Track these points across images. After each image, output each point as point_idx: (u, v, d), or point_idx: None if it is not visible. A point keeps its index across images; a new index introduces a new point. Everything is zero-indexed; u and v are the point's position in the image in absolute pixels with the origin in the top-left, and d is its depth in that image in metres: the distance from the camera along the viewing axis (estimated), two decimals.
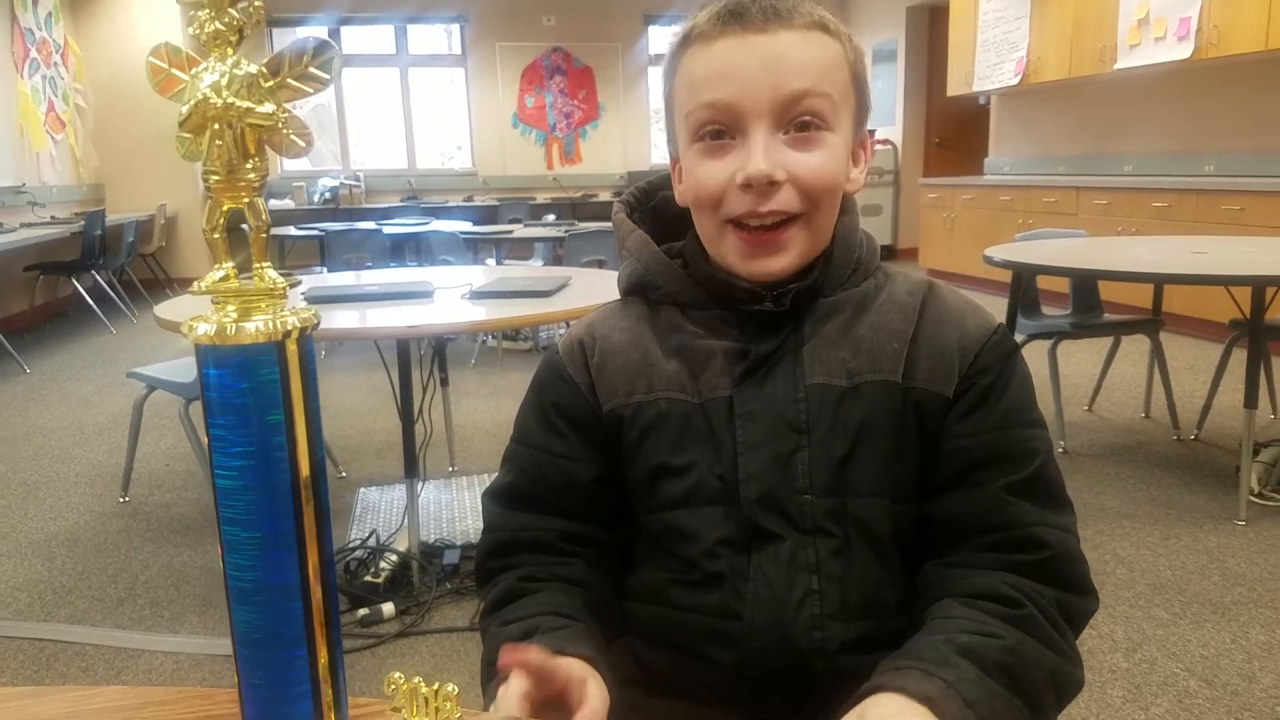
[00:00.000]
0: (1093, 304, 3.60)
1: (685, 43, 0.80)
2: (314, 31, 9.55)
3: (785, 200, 0.76)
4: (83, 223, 6.51)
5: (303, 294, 2.60)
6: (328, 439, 3.36)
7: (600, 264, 5.24)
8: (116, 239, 7.09)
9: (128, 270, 7.71)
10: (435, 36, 10.06)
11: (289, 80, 0.42)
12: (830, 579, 0.75)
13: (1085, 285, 3.54)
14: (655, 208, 0.94)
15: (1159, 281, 3.19)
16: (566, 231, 5.31)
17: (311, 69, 0.42)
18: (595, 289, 2.57)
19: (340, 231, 5.88)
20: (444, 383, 3.36)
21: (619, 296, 0.90)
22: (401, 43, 9.80)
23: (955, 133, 9.08)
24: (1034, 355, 3.33)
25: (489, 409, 4.21)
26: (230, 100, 0.40)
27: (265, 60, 0.41)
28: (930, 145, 9.33)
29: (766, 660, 0.75)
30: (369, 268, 5.78)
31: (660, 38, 10.27)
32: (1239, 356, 3.14)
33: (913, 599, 0.77)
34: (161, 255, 8.36)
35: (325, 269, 6.09)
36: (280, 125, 0.41)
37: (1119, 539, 2.56)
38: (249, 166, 0.42)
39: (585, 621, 0.74)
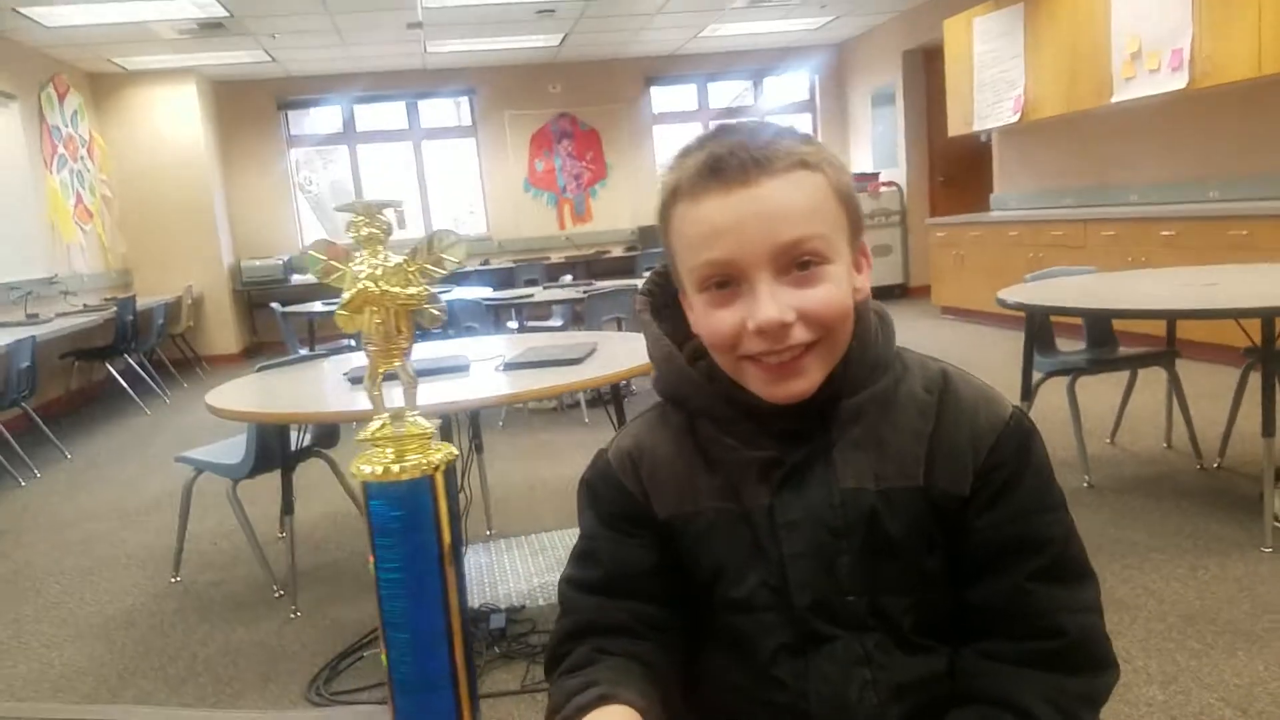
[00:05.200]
0: (1107, 338, 3.68)
1: (674, 198, 0.83)
2: (329, 113, 9.88)
3: (799, 335, 0.79)
4: (115, 309, 6.71)
5: (346, 374, 2.72)
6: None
7: (619, 322, 5.36)
8: (147, 322, 7.30)
9: (158, 351, 7.90)
10: (446, 109, 10.35)
11: (425, 265, 0.53)
12: (881, 668, 0.83)
13: (1099, 322, 3.62)
14: (676, 294, 0.94)
15: (1171, 318, 3.27)
16: (585, 292, 5.45)
17: (442, 255, 0.53)
18: (619, 355, 2.67)
19: None
20: (478, 449, 3.46)
21: (658, 399, 0.95)
22: (413, 118, 10.10)
23: (959, 170, 9.23)
24: (1053, 392, 3.43)
25: (521, 470, 4.31)
26: (385, 288, 0.51)
27: (407, 251, 0.52)
28: (935, 183, 9.48)
29: None
30: None
31: (661, 97, 10.54)
32: (1256, 381, 3.20)
33: (951, 663, 0.85)
34: (190, 335, 8.57)
35: (352, 342, 6.26)
36: (423, 304, 0.52)
37: (1148, 572, 2.61)
38: (401, 337, 0.52)
39: (642, 683, 0.81)
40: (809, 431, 0.85)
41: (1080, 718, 0.80)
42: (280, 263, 9.28)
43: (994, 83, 7.31)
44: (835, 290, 0.80)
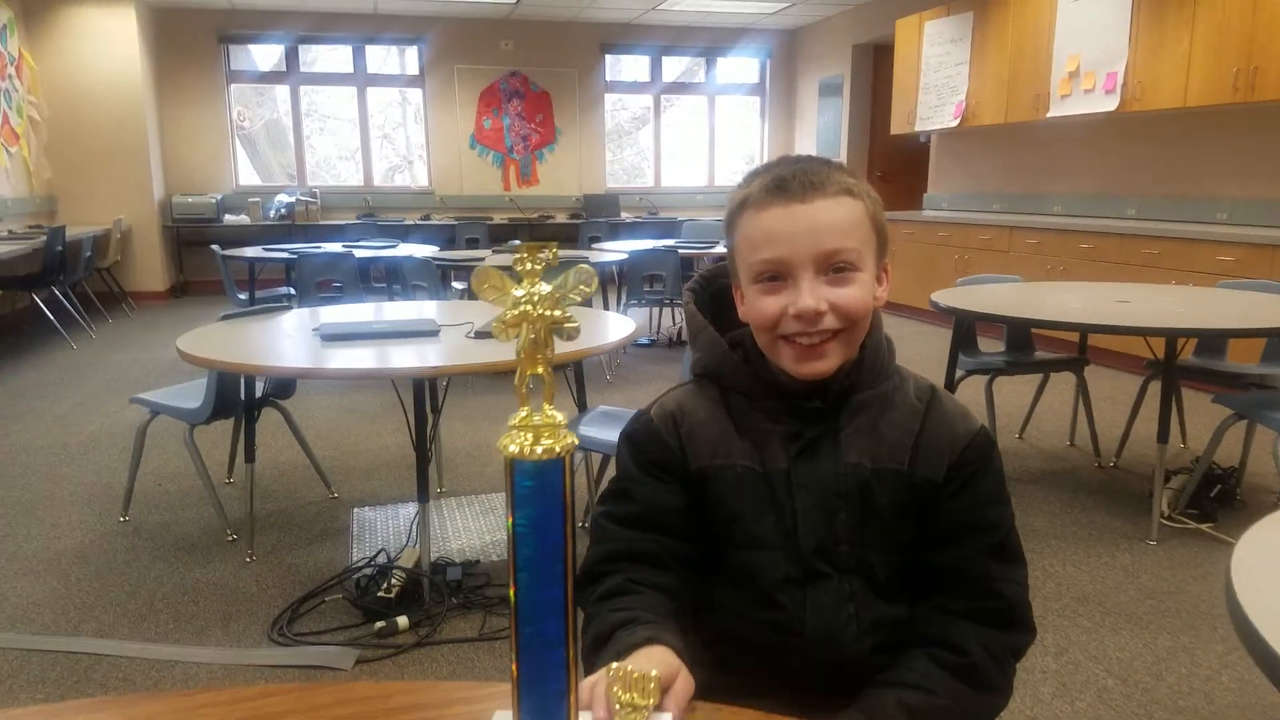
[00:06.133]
0: (1025, 343, 3.99)
1: (742, 207, 1.05)
2: (271, 50, 9.66)
3: (828, 322, 1.01)
4: (45, 238, 6.54)
5: (316, 330, 2.81)
6: (317, 459, 3.55)
7: None
8: (74, 253, 7.12)
9: (83, 284, 7.70)
10: (393, 56, 10.22)
11: (568, 294, 0.68)
12: (862, 604, 1.05)
13: (1019, 328, 3.91)
14: (714, 293, 1.18)
15: (1085, 330, 3.57)
16: None
17: (581, 286, 0.68)
18: (594, 330, 2.83)
19: (310, 255, 6.02)
20: (434, 410, 3.57)
21: (692, 376, 1.15)
22: (359, 62, 9.94)
23: (896, 167, 9.56)
24: (973, 388, 3.71)
25: (469, 432, 4.43)
26: (542, 311, 0.66)
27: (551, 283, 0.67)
28: (873, 178, 9.79)
29: (820, 660, 1.04)
30: (338, 288, 5.95)
31: (615, 65, 10.59)
32: (1154, 390, 3.53)
33: (912, 612, 1.07)
34: (117, 270, 8.36)
35: (293, 290, 6.24)
36: (565, 323, 0.67)
37: (1048, 557, 2.91)
38: (545, 348, 0.68)
39: (674, 621, 0.99)
40: (823, 415, 1.07)
41: (1004, 662, 1.03)
42: (213, 201, 9.09)
43: (938, 86, 7.60)
44: (861, 292, 1.02)
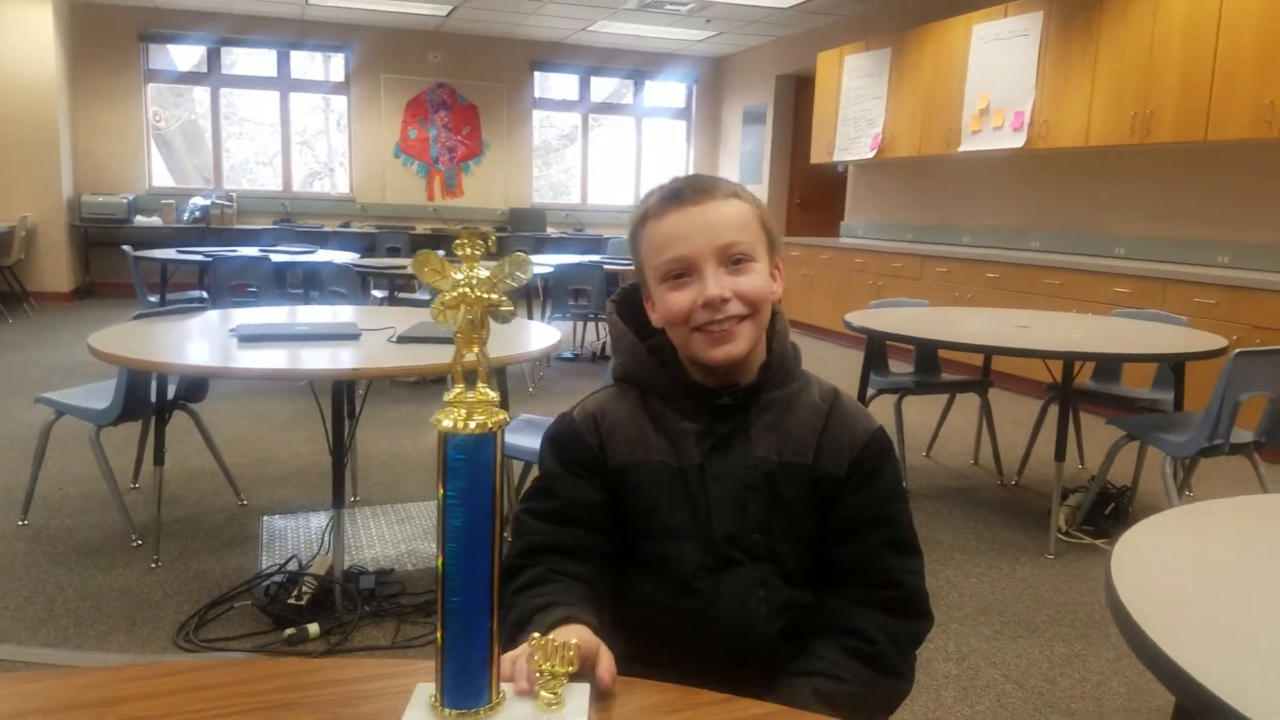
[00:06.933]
0: (933, 365, 4.15)
1: (643, 221, 1.13)
2: (192, 51, 9.43)
3: (734, 308, 1.09)
4: None
5: (233, 331, 2.76)
6: (227, 465, 3.47)
7: None
8: None
9: None
10: (318, 62, 10.08)
11: (504, 279, 0.71)
12: (772, 590, 1.11)
13: (927, 350, 4.07)
14: (636, 305, 1.23)
15: (988, 353, 3.74)
16: None
17: (516, 272, 0.72)
18: (518, 339, 2.85)
19: (225, 258, 5.88)
20: (351, 416, 3.53)
21: (613, 380, 1.21)
22: (283, 66, 9.77)
23: (815, 195, 9.82)
24: (882, 407, 3.84)
25: (384, 440, 4.38)
26: (480, 294, 0.69)
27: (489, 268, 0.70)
28: (793, 204, 10.04)
29: (732, 644, 1.09)
30: (253, 293, 5.82)
31: (544, 83, 10.64)
32: (1053, 413, 3.71)
33: (818, 602, 1.13)
34: (20, 268, 8.01)
35: (205, 294, 6.07)
36: (501, 306, 0.70)
37: (952, 568, 3.03)
38: (482, 329, 0.71)
39: (592, 606, 1.03)
40: (733, 413, 1.13)
41: (905, 648, 1.11)
42: (125, 201, 8.80)
43: (856, 118, 7.85)
44: (760, 280, 1.11)
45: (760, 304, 1.11)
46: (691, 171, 1.11)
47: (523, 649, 0.80)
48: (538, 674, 0.77)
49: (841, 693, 1.03)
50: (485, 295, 0.70)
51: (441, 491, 0.71)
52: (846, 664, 1.06)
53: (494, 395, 0.72)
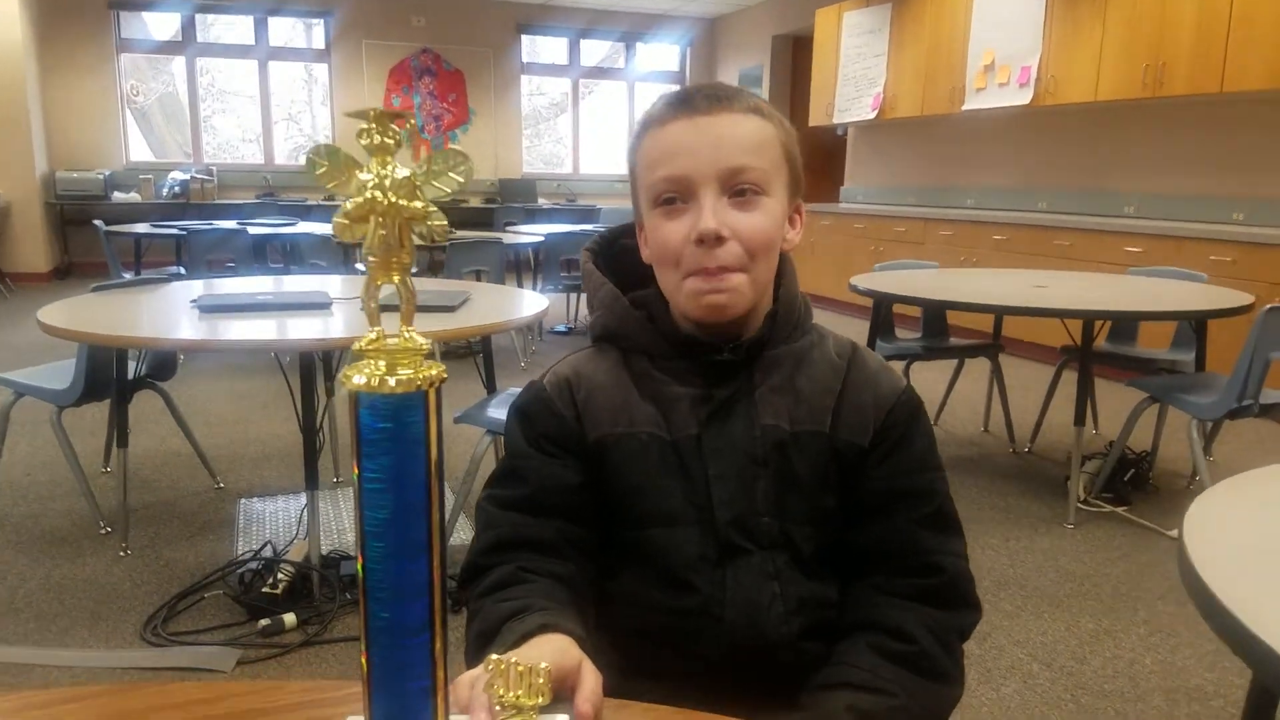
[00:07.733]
0: (941, 329, 3.96)
1: (644, 128, 0.93)
2: (167, 19, 9.13)
3: (730, 255, 0.89)
4: None
5: (195, 302, 2.57)
6: (201, 447, 3.29)
7: (478, 274, 5.26)
8: None
9: None
10: (299, 30, 9.79)
11: (432, 181, 0.52)
12: (788, 583, 0.91)
13: (935, 312, 3.88)
14: (616, 254, 1.05)
15: (1004, 313, 3.54)
16: (448, 241, 5.32)
17: (450, 174, 0.53)
18: (495, 305, 2.66)
19: (201, 231, 5.66)
20: (329, 392, 3.34)
21: (590, 342, 1.02)
22: (261, 34, 9.48)
23: (814, 159, 9.56)
24: None
25: None
26: (394, 199, 0.50)
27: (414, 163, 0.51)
28: None
29: (741, 648, 0.89)
30: (231, 267, 5.60)
31: (532, 46, 10.36)
32: (1067, 377, 3.53)
33: (843, 594, 0.94)
34: None
35: (183, 269, 5.85)
36: (428, 218, 0.52)
37: (967, 540, 2.85)
38: (403, 251, 0.52)
39: (574, 609, 0.85)
40: (735, 373, 0.94)
41: (951, 644, 0.91)
42: (101, 177, 8.54)
43: (856, 78, 7.61)
44: (767, 220, 0.91)
45: (762, 251, 0.91)
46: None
47: (481, 670, 0.62)
48: (498, 707, 0.59)
49: (882, 707, 0.84)
50: (404, 203, 0.51)
51: (357, 473, 0.53)
52: (886, 670, 0.86)
53: (424, 342, 0.53)
